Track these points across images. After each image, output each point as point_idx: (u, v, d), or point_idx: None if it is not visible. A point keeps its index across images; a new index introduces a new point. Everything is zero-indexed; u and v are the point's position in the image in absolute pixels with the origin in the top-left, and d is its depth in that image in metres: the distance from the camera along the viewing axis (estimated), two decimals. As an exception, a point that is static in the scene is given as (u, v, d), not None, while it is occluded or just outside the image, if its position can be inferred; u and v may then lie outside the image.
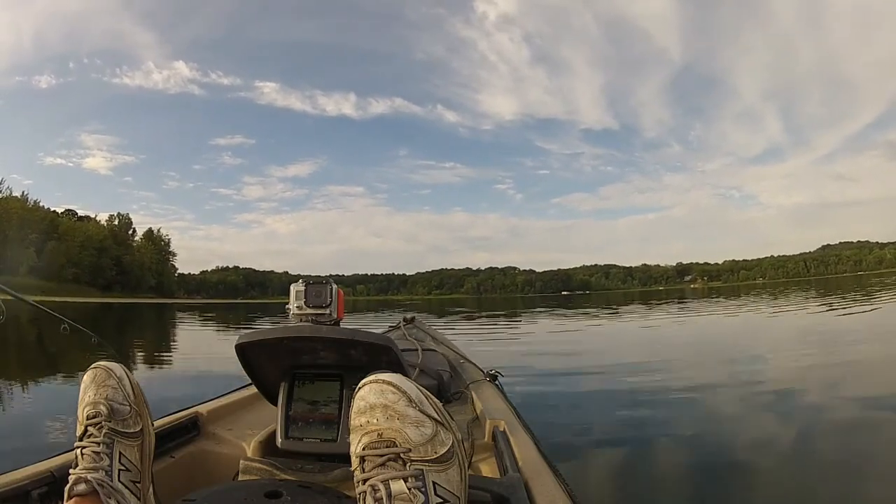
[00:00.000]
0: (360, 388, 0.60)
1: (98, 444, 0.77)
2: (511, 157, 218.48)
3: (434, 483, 0.56)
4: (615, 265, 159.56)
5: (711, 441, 2.94)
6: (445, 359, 1.94)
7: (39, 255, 61.97)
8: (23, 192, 72.07)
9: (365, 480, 0.57)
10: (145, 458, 0.82)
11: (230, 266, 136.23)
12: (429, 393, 0.61)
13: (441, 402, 0.62)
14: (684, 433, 3.10)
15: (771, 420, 3.28)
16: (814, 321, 10.67)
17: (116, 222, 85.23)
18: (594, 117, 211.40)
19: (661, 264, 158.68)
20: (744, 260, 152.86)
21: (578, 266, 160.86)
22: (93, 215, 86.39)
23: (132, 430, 0.81)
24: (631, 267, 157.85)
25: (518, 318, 16.64)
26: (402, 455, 0.56)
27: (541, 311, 20.91)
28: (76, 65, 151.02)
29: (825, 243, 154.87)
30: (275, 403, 1.09)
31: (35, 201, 70.38)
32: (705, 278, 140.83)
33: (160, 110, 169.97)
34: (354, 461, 0.59)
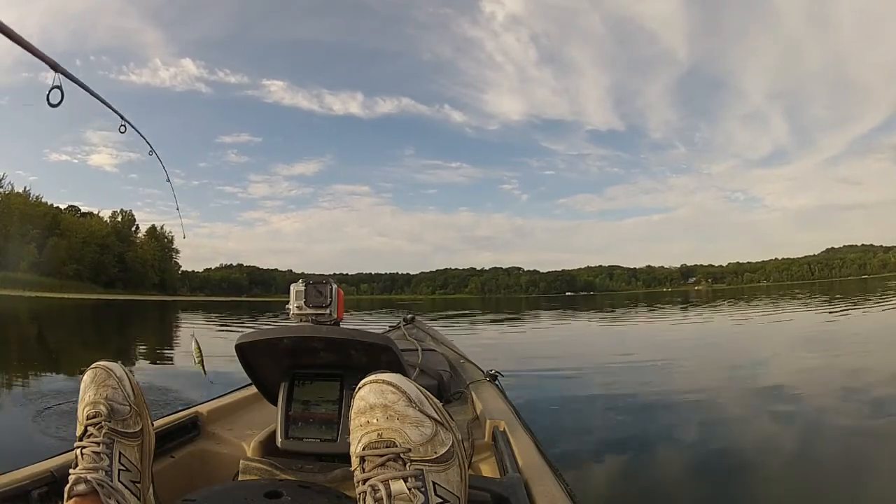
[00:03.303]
0: (359, 388, 0.60)
1: (98, 444, 0.77)
2: (517, 157, 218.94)
3: (434, 483, 0.56)
4: (619, 266, 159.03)
5: (713, 444, 2.93)
6: (445, 359, 1.94)
7: (41, 250, 61.88)
8: (25, 188, 72.17)
9: (365, 480, 0.57)
10: (145, 458, 0.82)
11: (234, 264, 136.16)
12: (429, 393, 0.61)
13: (441, 402, 0.62)
14: (686, 435, 3.09)
15: (774, 424, 3.26)
16: (817, 323, 10.63)
17: (119, 219, 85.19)
18: (600, 118, 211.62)
19: (666, 266, 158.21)
20: (748, 262, 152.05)
21: (583, 267, 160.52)
22: (96, 211, 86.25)
23: (132, 430, 0.81)
24: (635, 268, 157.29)
25: (520, 319, 16.62)
26: (402, 455, 0.56)
27: (543, 312, 20.89)
28: (83, 62, 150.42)
29: (829, 246, 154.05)
30: (275, 403, 1.10)
31: (38, 197, 69.98)
32: (709, 280, 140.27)
33: (167, 108, 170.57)
34: (354, 461, 0.59)
